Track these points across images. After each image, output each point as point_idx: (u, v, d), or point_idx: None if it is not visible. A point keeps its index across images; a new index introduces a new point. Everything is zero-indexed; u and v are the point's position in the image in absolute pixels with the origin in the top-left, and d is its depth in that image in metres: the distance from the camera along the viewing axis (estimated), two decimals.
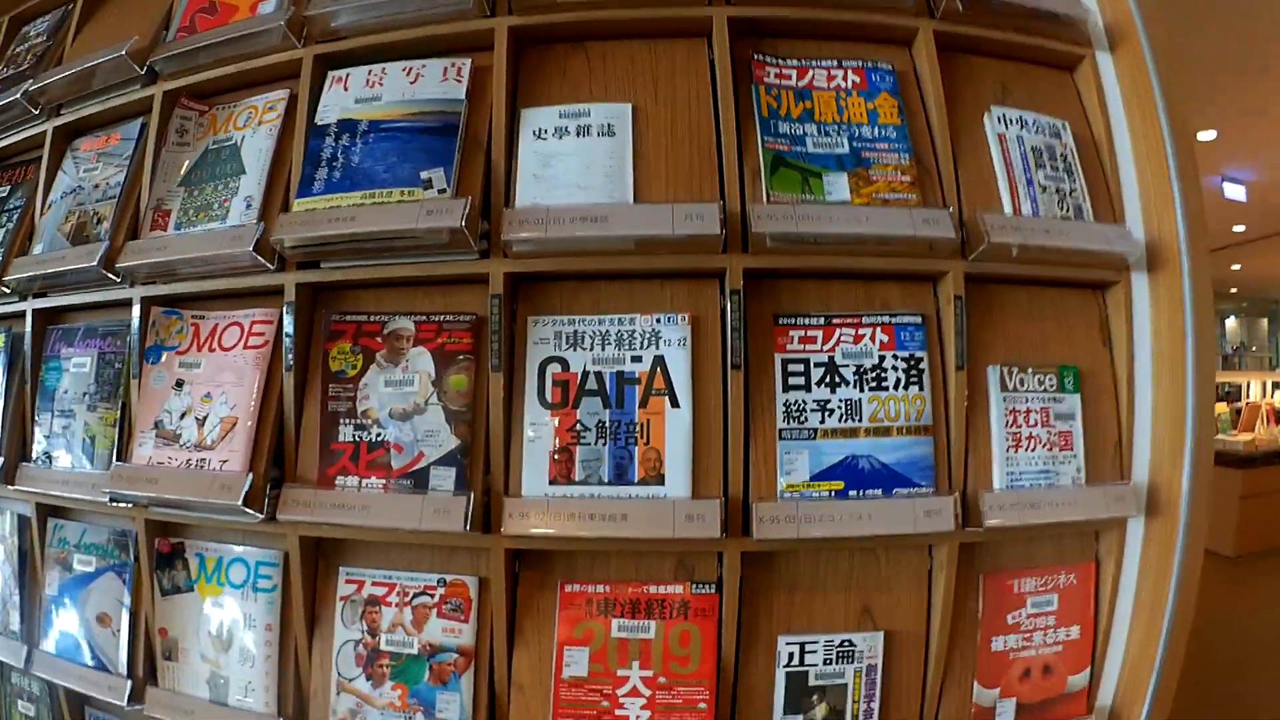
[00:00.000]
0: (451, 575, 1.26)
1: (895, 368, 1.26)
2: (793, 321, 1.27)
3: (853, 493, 1.21)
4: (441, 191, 1.23)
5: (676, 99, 1.31)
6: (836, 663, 1.23)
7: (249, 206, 1.36)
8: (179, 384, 1.36)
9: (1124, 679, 1.31)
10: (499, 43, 1.31)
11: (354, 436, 1.26)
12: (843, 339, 1.27)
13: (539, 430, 1.22)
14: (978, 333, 1.29)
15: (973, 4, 1.32)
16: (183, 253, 1.35)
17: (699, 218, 1.17)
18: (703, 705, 1.18)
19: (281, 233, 1.24)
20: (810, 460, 1.22)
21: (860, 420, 1.24)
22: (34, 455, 1.57)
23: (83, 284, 1.53)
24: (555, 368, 1.24)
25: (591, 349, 1.24)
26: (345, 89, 1.37)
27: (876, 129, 1.31)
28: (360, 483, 1.24)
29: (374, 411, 1.26)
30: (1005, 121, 1.35)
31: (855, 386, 1.25)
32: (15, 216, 1.73)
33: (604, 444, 1.21)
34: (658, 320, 1.24)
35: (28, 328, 1.61)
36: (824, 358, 1.26)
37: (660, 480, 1.19)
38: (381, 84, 1.35)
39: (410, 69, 1.35)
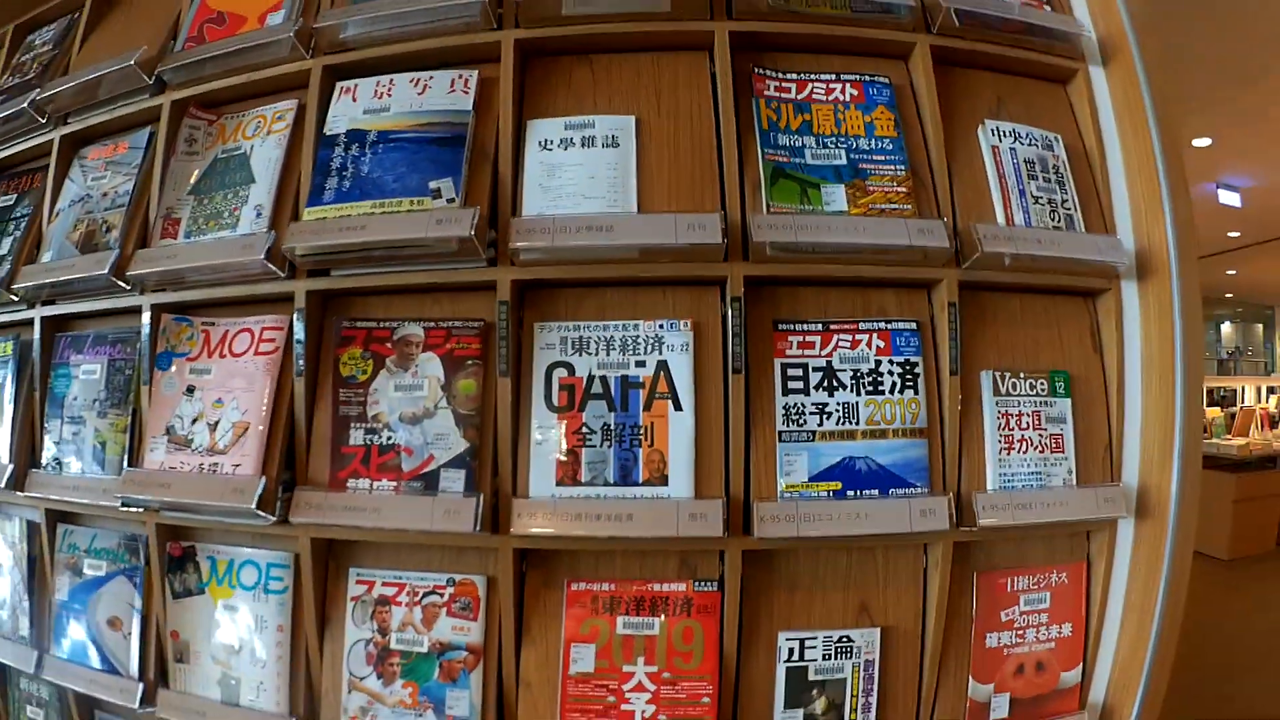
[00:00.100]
0: (460, 575, 1.28)
1: (891, 372, 1.29)
2: (792, 327, 1.30)
3: (850, 493, 1.24)
4: (450, 201, 1.26)
5: (679, 111, 1.35)
6: (835, 658, 1.26)
7: (259, 215, 1.39)
8: (190, 390, 1.39)
9: (1115, 676, 1.34)
10: (505, 55, 1.33)
11: (365, 440, 1.28)
12: (840, 344, 1.30)
13: (546, 433, 1.26)
14: (971, 339, 1.33)
15: (968, 19, 1.36)
16: (193, 261, 1.37)
17: (701, 227, 1.20)
18: (706, 700, 1.21)
19: (293, 241, 1.27)
20: (809, 461, 1.25)
21: (857, 423, 1.27)
22: (43, 461, 1.58)
23: (92, 291, 1.54)
24: (561, 372, 1.27)
25: (597, 354, 1.27)
26: (354, 99, 1.39)
27: (873, 141, 1.35)
28: (371, 485, 1.27)
29: (384, 415, 1.29)
30: (999, 134, 1.38)
31: (852, 390, 1.29)
32: (23, 225, 1.74)
33: (609, 446, 1.24)
34: (661, 326, 1.28)
35: (36, 335, 1.62)
36: (822, 362, 1.29)
37: (664, 481, 1.23)
38: (390, 95, 1.38)
39: (418, 80, 1.38)
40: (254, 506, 1.23)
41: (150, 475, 1.36)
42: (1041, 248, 1.29)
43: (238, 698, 1.36)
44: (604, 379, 1.27)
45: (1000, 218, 1.34)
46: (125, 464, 1.45)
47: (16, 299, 1.65)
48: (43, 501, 1.57)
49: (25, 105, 1.69)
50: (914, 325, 1.31)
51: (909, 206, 1.31)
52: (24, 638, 1.64)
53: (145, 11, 1.77)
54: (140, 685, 1.42)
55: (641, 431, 1.24)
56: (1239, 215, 7.16)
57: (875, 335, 1.30)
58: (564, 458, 1.24)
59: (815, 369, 1.29)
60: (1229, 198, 6.63)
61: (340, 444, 1.29)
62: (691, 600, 1.25)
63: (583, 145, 1.32)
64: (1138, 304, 1.36)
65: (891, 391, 1.29)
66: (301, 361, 1.32)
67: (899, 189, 1.32)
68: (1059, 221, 1.36)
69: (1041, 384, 1.34)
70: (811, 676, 1.26)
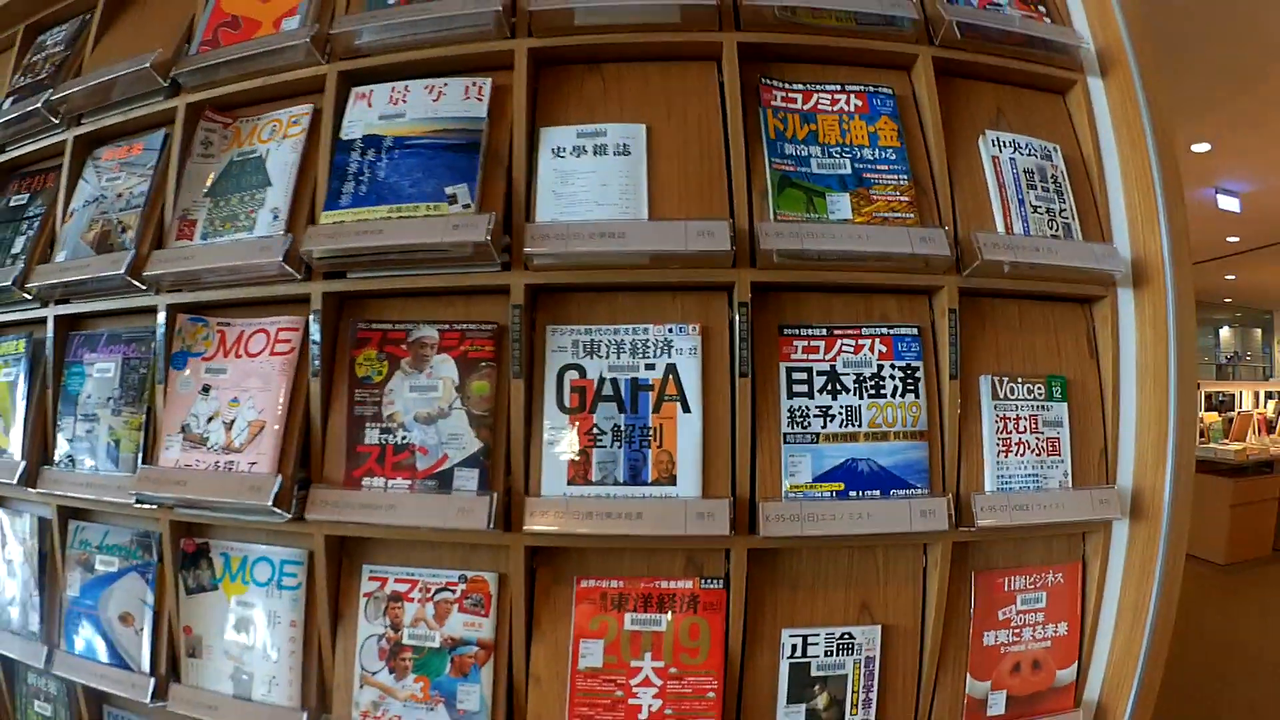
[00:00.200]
0: (472, 572, 1.31)
1: (893, 376, 1.33)
2: (797, 332, 1.33)
3: (853, 493, 1.28)
4: (466, 207, 1.29)
5: (688, 120, 1.38)
6: (837, 654, 1.29)
7: (276, 218, 1.41)
8: (206, 389, 1.41)
9: (1110, 674, 1.37)
10: (519, 63, 1.36)
11: (380, 439, 1.31)
12: (844, 349, 1.33)
13: (557, 433, 1.28)
14: (970, 344, 1.36)
15: (970, 31, 1.39)
16: (210, 262, 1.39)
17: (710, 234, 1.23)
18: (711, 694, 1.24)
19: (311, 244, 1.30)
20: (813, 463, 1.29)
21: (860, 425, 1.31)
22: (56, 459, 1.60)
23: (106, 291, 1.56)
24: (573, 374, 1.30)
25: (607, 357, 1.30)
26: (369, 105, 1.42)
27: (877, 151, 1.38)
28: (386, 483, 1.29)
29: (399, 415, 1.31)
30: (999, 144, 1.42)
31: (855, 394, 1.32)
32: (35, 224, 1.75)
33: (619, 447, 1.27)
34: (670, 330, 1.31)
35: (49, 333, 1.63)
36: (826, 366, 1.33)
37: (672, 481, 1.26)
38: (405, 101, 1.41)
39: (432, 87, 1.41)
40: (270, 504, 1.26)
41: (166, 472, 1.38)
42: (1040, 256, 1.32)
43: (250, 692, 1.38)
44: (614, 381, 1.30)
45: (1000, 226, 1.38)
46: (140, 461, 1.46)
47: (29, 297, 1.66)
48: (55, 498, 1.58)
49: (38, 106, 1.70)
50: (915, 330, 1.35)
51: (911, 215, 1.34)
52: (34, 633, 1.65)
53: (158, 13, 1.77)
54: (152, 680, 1.43)
55: (650, 433, 1.27)
56: (1238, 220, 7.19)
57: (878, 340, 1.34)
58: (575, 457, 1.27)
59: (819, 373, 1.32)
60: (1228, 203, 6.65)
61: (355, 443, 1.32)
62: (698, 598, 1.28)
63: (595, 153, 1.35)
64: (1133, 311, 1.39)
65: (893, 395, 1.32)
66: (317, 362, 1.34)
67: (901, 198, 1.35)
68: (1057, 230, 1.39)
69: (1039, 388, 1.37)
70: (814, 672, 1.29)
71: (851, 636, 1.30)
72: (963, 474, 1.32)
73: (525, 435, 1.29)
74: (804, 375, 1.32)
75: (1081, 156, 1.49)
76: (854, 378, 1.32)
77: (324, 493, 1.29)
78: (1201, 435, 6.82)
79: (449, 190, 1.30)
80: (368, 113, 1.41)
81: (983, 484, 1.33)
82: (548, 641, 1.30)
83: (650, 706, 1.25)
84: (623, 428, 1.28)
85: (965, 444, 1.33)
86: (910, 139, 1.40)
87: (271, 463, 1.32)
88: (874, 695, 1.30)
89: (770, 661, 1.29)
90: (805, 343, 1.33)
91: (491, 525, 1.21)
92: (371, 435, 1.31)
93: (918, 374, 1.33)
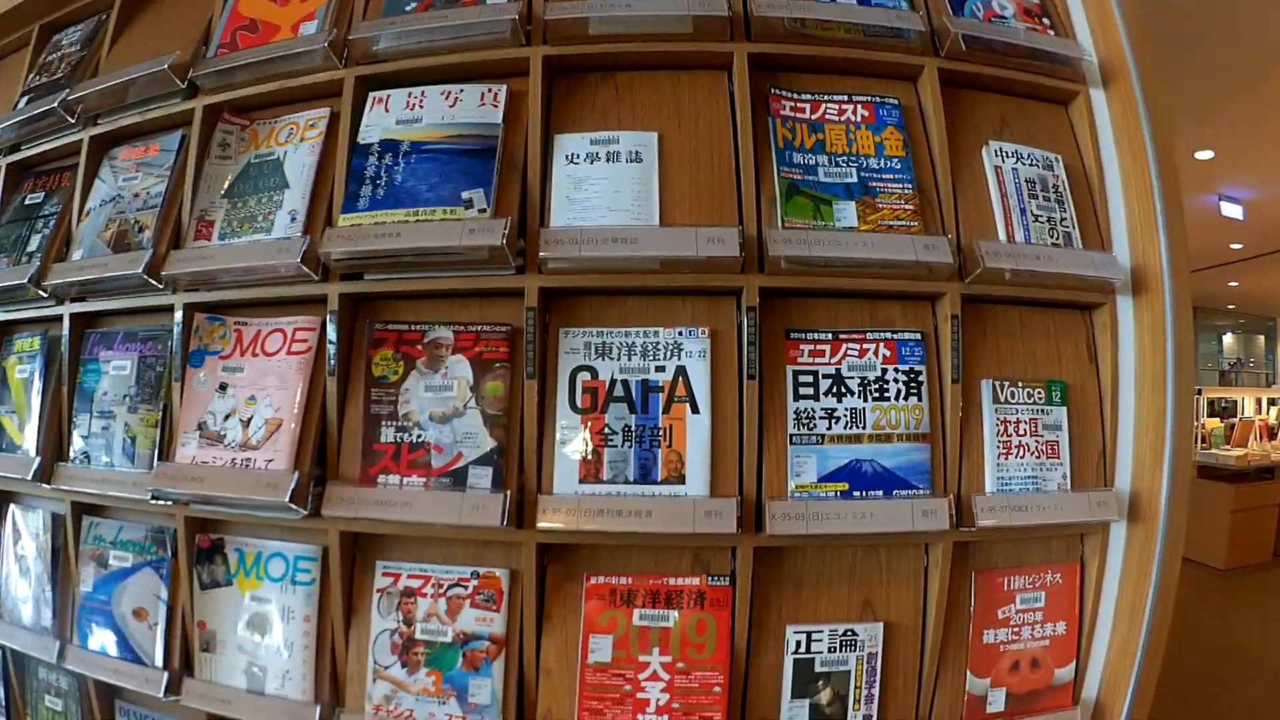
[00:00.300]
0: (484, 568, 1.34)
1: (896, 380, 1.36)
2: (803, 336, 1.36)
3: (856, 493, 1.30)
4: (482, 211, 1.32)
5: (699, 128, 1.41)
6: (840, 651, 1.32)
7: (293, 219, 1.44)
8: (223, 387, 1.43)
9: (1107, 673, 1.40)
10: (534, 70, 1.39)
11: (395, 438, 1.34)
12: (849, 353, 1.36)
13: (570, 433, 1.31)
14: (972, 349, 1.39)
15: (975, 43, 1.42)
16: (228, 262, 1.42)
17: (720, 241, 1.26)
18: (717, 689, 1.27)
19: (328, 246, 1.32)
20: (818, 463, 1.32)
21: (864, 427, 1.34)
22: (71, 455, 1.62)
23: (123, 290, 1.58)
24: (585, 376, 1.33)
25: (619, 359, 1.33)
26: (386, 110, 1.45)
27: (883, 160, 1.41)
28: (402, 481, 1.32)
29: (415, 414, 1.34)
30: (1002, 155, 1.45)
31: (859, 397, 1.35)
32: (51, 222, 1.78)
33: (630, 446, 1.30)
34: (680, 333, 1.34)
35: (65, 331, 1.65)
36: (831, 370, 1.35)
37: (681, 480, 1.29)
38: (421, 106, 1.43)
39: (449, 93, 1.44)
40: (287, 500, 1.28)
41: (182, 469, 1.40)
42: (1040, 264, 1.35)
43: (263, 686, 1.41)
44: (625, 383, 1.32)
45: (1002, 235, 1.41)
46: (156, 458, 1.48)
47: (45, 295, 1.68)
48: (69, 494, 1.60)
49: (55, 105, 1.72)
50: (918, 336, 1.38)
51: (916, 223, 1.37)
52: (46, 628, 1.67)
53: (175, 14, 1.79)
54: (165, 674, 1.45)
55: (660, 433, 1.30)
56: (1241, 227, 7.19)
57: (882, 345, 1.37)
58: (587, 457, 1.30)
59: (825, 376, 1.35)
60: (1231, 210, 6.65)
61: (371, 441, 1.34)
62: (705, 594, 1.31)
63: (608, 160, 1.37)
64: (1132, 317, 1.42)
65: (896, 398, 1.35)
66: (334, 361, 1.37)
67: (906, 206, 1.38)
68: (1058, 239, 1.43)
69: (1039, 393, 1.40)
70: (817, 668, 1.32)
71: (854, 633, 1.33)
72: (964, 475, 1.35)
73: (538, 435, 1.31)
74: (810, 378, 1.35)
75: (1083, 166, 1.51)
76: (858, 381, 1.35)
77: (340, 489, 1.31)
78: (1203, 441, 6.83)
79: (465, 195, 1.33)
80: (385, 117, 1.44)
81: (983, 485, 1.35)
82: (558, 636, 1.32)
83: (658, 700, 1.27)
84: (633, 428, 1.31)
85: (966, 446, 1.36)
86: (915, 149, 1.44)
87: (288, 460, 1.35)
88: (876, 691, 1.33)
89: (775, 657, 1.32)
90: (811, 346, 1.36)
91: (505, 522, 1.23)
92: (387, 433, 1.34)
93: (921, 378, 1.36)
